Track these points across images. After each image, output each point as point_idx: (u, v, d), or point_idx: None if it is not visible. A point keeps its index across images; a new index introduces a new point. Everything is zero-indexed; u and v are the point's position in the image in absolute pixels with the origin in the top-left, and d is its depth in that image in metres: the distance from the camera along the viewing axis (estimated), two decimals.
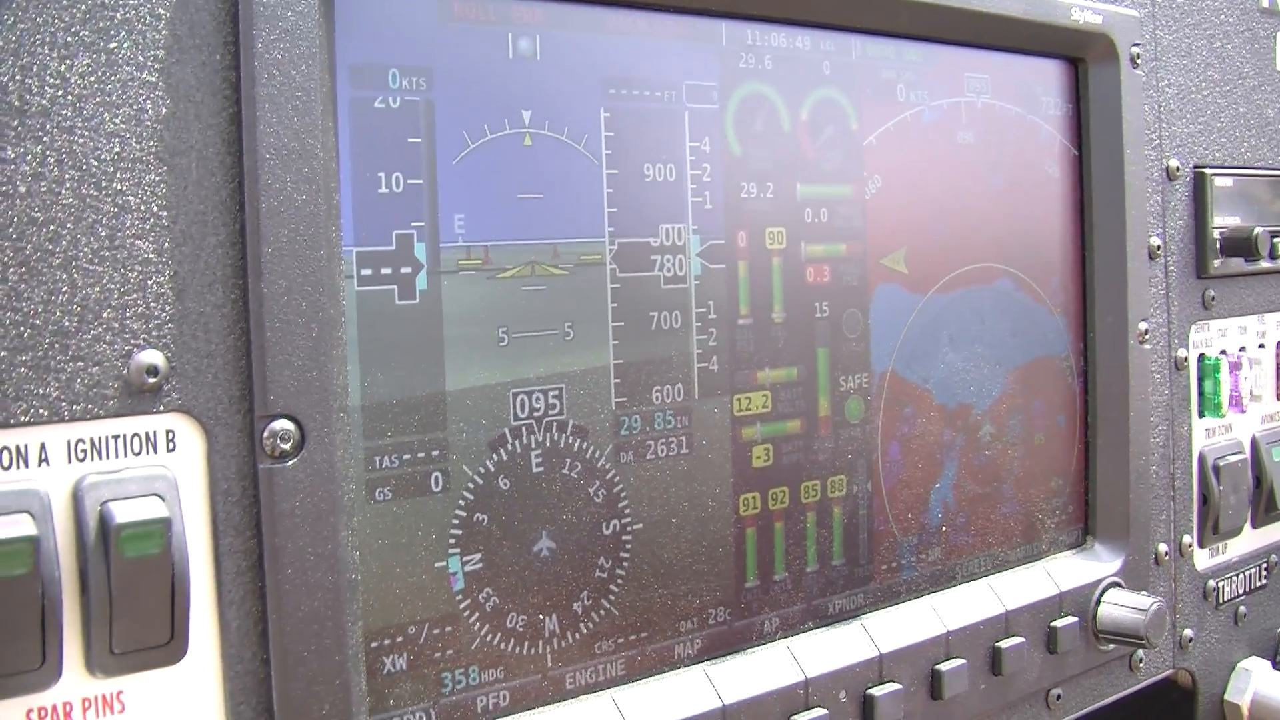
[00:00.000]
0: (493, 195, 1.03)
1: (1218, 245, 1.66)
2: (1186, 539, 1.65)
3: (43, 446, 0.81)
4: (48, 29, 0.81)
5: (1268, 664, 1.77)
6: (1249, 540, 1.76)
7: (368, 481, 0.97)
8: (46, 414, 0.81)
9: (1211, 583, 1.70)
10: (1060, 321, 1.52)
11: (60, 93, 0.82)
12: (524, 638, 1.06)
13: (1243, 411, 1.72)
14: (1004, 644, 1.37)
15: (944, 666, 1.30)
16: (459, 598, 1.02)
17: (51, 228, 0.81)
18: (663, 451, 1.14)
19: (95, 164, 0.83)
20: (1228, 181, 1.67)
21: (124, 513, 0.81)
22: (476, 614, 1.03)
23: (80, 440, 0.83)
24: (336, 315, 0.91)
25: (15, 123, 0.80)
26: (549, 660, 1.07)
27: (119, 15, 0.84)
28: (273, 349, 0.88)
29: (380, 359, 0.97)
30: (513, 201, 1.04)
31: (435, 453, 1.00)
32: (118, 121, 0.84)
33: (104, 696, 0.84)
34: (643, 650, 1.13)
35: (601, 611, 1.11)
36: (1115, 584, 1.51)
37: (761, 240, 1.21)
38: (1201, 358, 1.68)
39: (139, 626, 0.82)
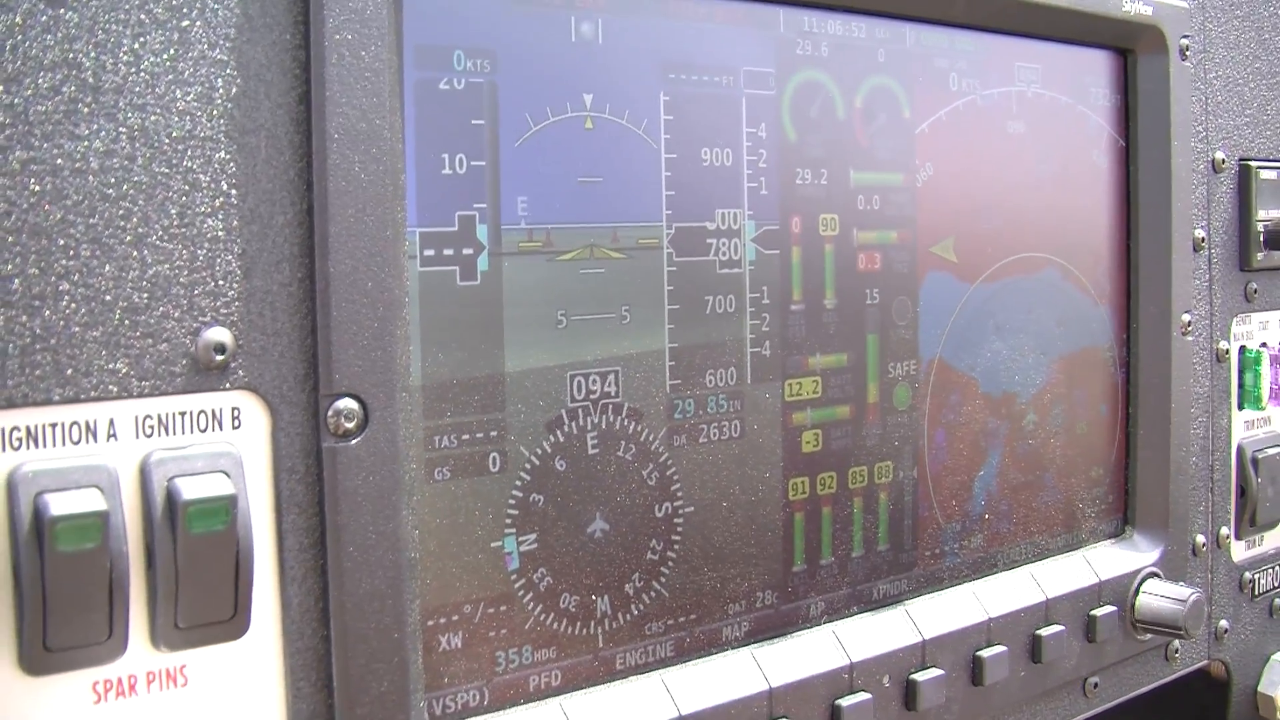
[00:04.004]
0: (554, 178, 1.03)
1: (1261, 238, 1.66)
2: (1224, 531, 1.66)
3: (111, 422, 0.82)
4: (122, 6, 0.82)
5: None
6: None
7: (427, 461, 0.97)
8: (115, 390, 0.82)
9: (1248, 575, 1.70)
10: (1104, 312, 1.52)
11: (133, 70, 0.82)
12: (576, 618, 1.07)
13: None
14: (1044, 632, 1.37)
15: (985, 653, 1.31)
16: (514, 577, 1.03)
17: (123, 204, 0.82)
18: (715, 435, 1.15)
19: (167, 142, 0.83)
20: (1273, 175, 1.67)
21: (191, 489, 0.82)
22: (531, 594, 1.04)
23: (148, 416, 0.83)
24: (401, 295, 0.92)
25: (89, 99, 0.80)
26: (600, 641, 1.08)
27: None
28: (338, 328, 0.89)
29: (441, 339, 0.97)
30: (573, 184, 1.04)
31: (493, 433, 1.01)
32: (189, 100, 0.84)
33: (168, 670, 0.85)
34: (691, 632, 1.14)
35: (652, 593, 1.11)
36: (1154, 574, 1.51)
37: (815, 226, 1.21)
38: (1243, 350, 1.67)
39: (203, 602, 0.83)
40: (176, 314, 0.84)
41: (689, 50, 1.12)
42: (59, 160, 0.79)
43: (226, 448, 0.85)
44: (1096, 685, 1.49)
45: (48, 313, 0.79)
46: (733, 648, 1.17)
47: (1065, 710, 1.47)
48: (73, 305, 0.80)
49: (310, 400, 0.89)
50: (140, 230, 0.82)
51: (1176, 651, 1.60)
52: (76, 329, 0.80)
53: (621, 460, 1.08)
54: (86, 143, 0.80)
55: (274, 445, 0.88)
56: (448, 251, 0.98)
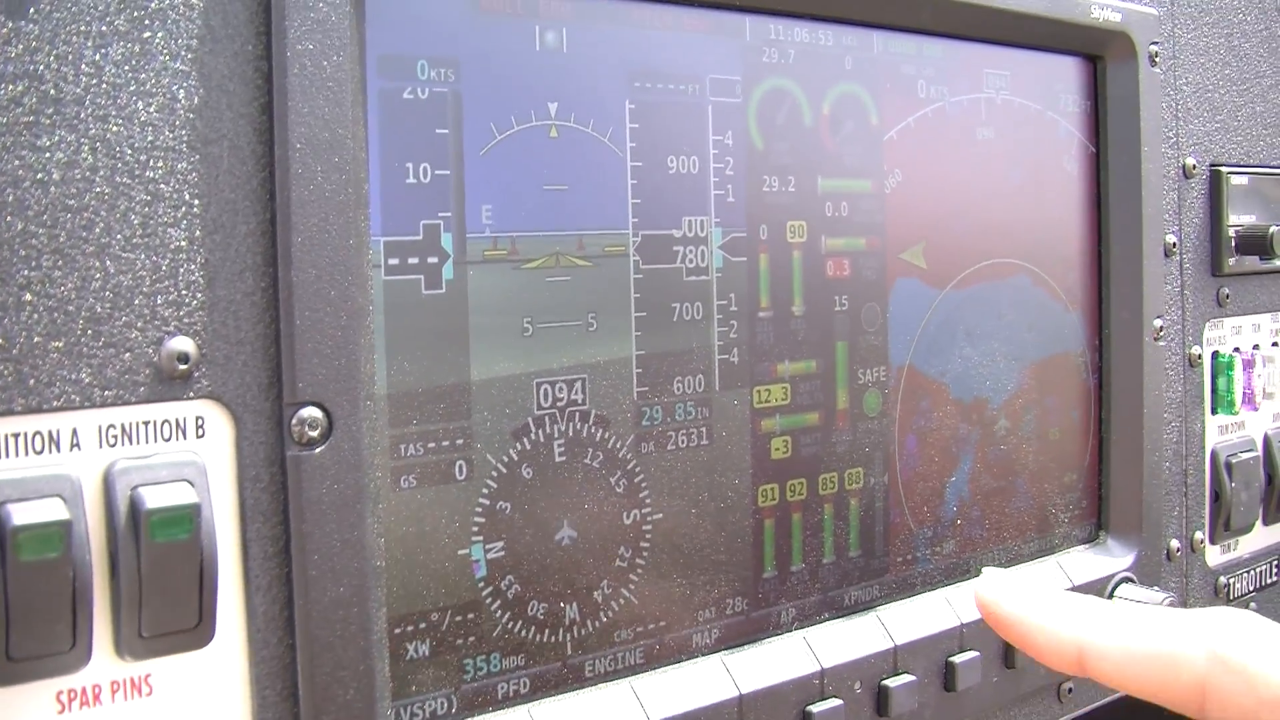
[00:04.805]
0: (519, 186, 1.04)
1: (1233, 243, 1.67)
2: (1198, 535, 1.66)
3: (75, 432, 0.82)
4: (83, 18, 0.82)
5: None
6: (1260, 537, 1.77)
7: (393, 469, 0.97)
8: (79, 399, 0.82)
9: (1223, 579, 1.70)
10: (1076, 318, 1.53)
11: (95, 81, 0.82)
12: (544, 625, 1.07)
13: (1255, 409, 1.73)
14: None
15: (958, 659, 1.31)
16: (481, 585, 1.03)
17: (85, 215, 0.82)
18: (683, 442, 1.15)
19: (129, 152, 0.83)
20: (1244, 180, 1.68)
21: (154, 498, 0.82)
22: (498, 601, 1.04)
23: (111, 426, 0.84)
24: (365, 304, 0.92)
25: (50, 111, 0.81)
26: (569, 648, 1.08)
27: (153, 5, 0.84)
28: (302, 337, 0.89)
29: (406, 348, 0.98)
30: (538, 193, 1.05)
31: (459, 441, 1.01)
32: (151, 110, 0.84)
33: (132, 679, 0.85)
34: (661, 639, 1.14)
35: (621, 600, 1.11)
36: (1127, 579, 1.52)
37: (782, 233, 1.21)
38: (1215, 355, 1.68)
39: (167, 610, 0.83)
40: (139, 324, 0.84)
41: (654, 58, 1.12)
42: (20, 171, 0.79)
43: (190, 457, 0.86)
44: (1071, 690, 1.49)
45: (9, 323, 0.79)
46: (703, 654, 1.17)
47: (1040, 715, 1.47)
48: (35, 315, 0.80)
49: (274, 409, 0.89)
50: (103, 240, 0.83)
51: None
52: (39, 339, 0.80)
53: (589, 468, 1.09)
54: (48, 154, 0.81)
55: (238, 454, 0.88)
56: (412, 260, 0.98)
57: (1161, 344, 1.55)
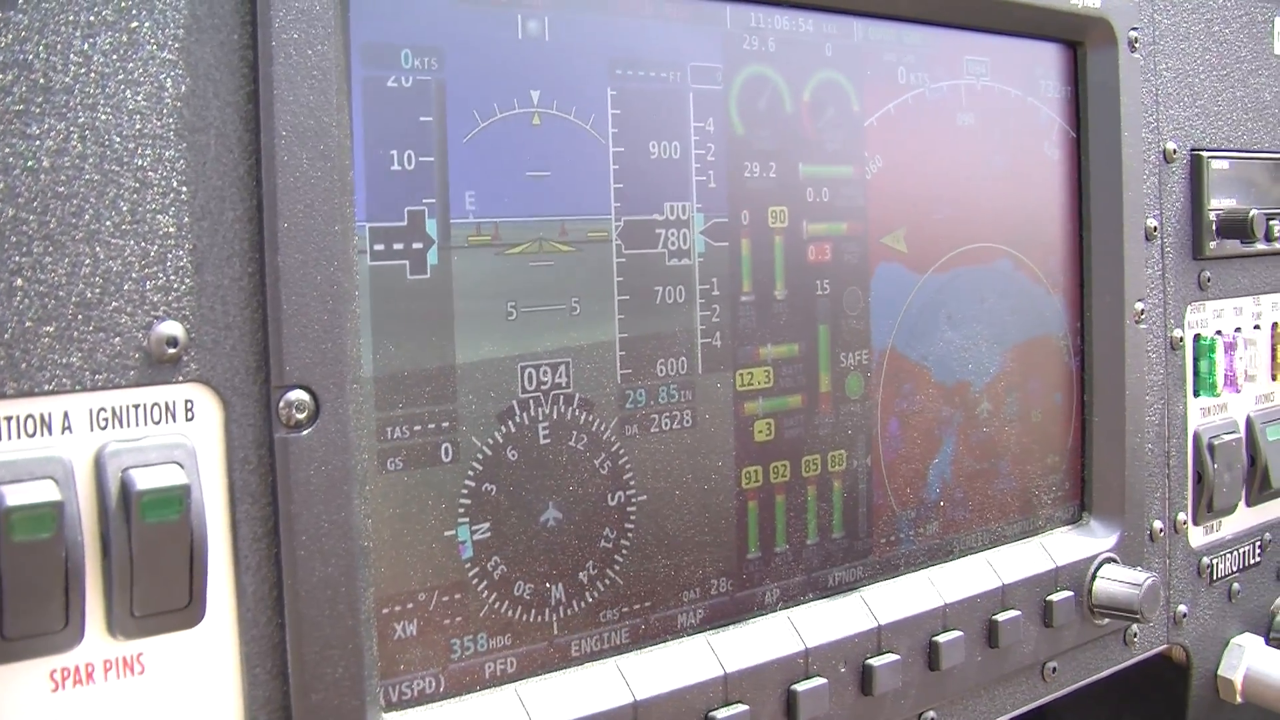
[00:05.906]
0: (502, 173, 1.05)
1: (1214, 227, 1.68)
2: (1181, 516, 1.67)
3: (66, 415, 0.83)
4: (71, 8, 0.83)
5: (1260, 640, 1.79)
6: (1243, 518, 1.78)
7: (379, 451, 0.99)
8: (69, 383, 0.83)
9: (1205, 560, 1.72)
10: (1058, 301, 1.54)
11: (83, 70, 0.83)
12: (531, 606, 1.08)
13: (1237, 391, 1.74)
14: (1000, 617, 1.39)
15: (941, 638, 1.33)
16: (468, 566, 1.04)
17: (74, 202, 0.83)
18: (667, 425, 1.16)
19: (117, 140, 0.85)
20: (1224, 164, 1.69)
21: (145, 480, 0.83)
22: (485, 582, 1.05)
23: (102, 409, 0.85)
24: (350, 289, 0.93)
25: (40, 99, 0.82)
26: (555, 628, 1.10)
27: None
28: (289, 321, 0.90)
29: (392, 332, 0.99)
30: (522, 179, 1.06)
31: (445, 424, 1.02)
32: (139, 99, 0.86)
33: (124, 658, 0.86)
34: (646, 619, 1.16)
35: (606, 581, 1.13)
36: (1110, 559, 1.53)
37: (764, 219, 1.23)
38: (1197, 338, 1.69)
39: (158, 590, 0.85)
40: (129, 309, 0.85)
41: (636, 46, 1.13)
42: (10, 159, 0.81)
43: (180, 439, 0.87)
44: (1055, 670, 1.51)
45: (1, 308, 0.80)
46: (688, 634, 1.18)
47: (1024, 694, 1.48)
48: (26, 301, 0.81)
49: (262, 392, 0.91)
50: (92, 227, 0.84)
51: (1135, 636, 1.62)
52: (30, 324, 0.81)
53: (573, 450, 1.10)
54: (38, 142, 0.82)
55: (227, 436, 0.90)
56: (398, 246, 0.99)
57: (1143, 327, 1.57)
